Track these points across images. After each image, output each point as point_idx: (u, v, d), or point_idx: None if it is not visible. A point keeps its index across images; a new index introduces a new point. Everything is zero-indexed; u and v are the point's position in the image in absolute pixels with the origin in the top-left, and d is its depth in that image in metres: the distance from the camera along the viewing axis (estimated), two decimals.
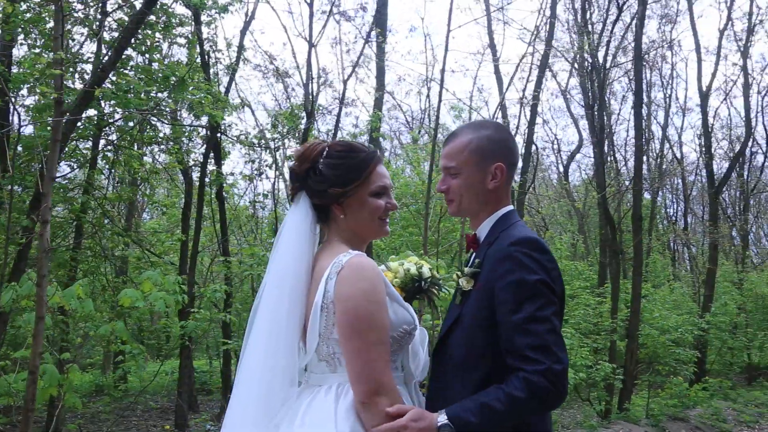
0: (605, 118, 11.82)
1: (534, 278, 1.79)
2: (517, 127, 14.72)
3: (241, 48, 9.36)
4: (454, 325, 1.99)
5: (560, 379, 1.72)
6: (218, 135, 8.92)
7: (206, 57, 8.90)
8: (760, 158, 20.09)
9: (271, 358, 1.90)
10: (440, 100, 7.55)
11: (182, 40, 8.98)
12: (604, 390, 9.44)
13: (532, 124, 11.27)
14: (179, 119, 9.47)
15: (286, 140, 8.73)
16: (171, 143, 8.83)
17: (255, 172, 9.07)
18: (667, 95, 18.35)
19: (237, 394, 1.96)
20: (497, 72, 14.83)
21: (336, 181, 1.97)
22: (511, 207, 2.09)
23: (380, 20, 11.02)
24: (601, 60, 10.59)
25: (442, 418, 1.74)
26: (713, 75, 14.44)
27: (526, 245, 1.85)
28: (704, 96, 14.19)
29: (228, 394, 9.38)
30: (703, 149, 14.94)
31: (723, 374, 13.90)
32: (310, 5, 8.27)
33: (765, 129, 19.63)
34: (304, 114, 8.14)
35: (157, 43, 8.70)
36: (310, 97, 8.25)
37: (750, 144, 17.37)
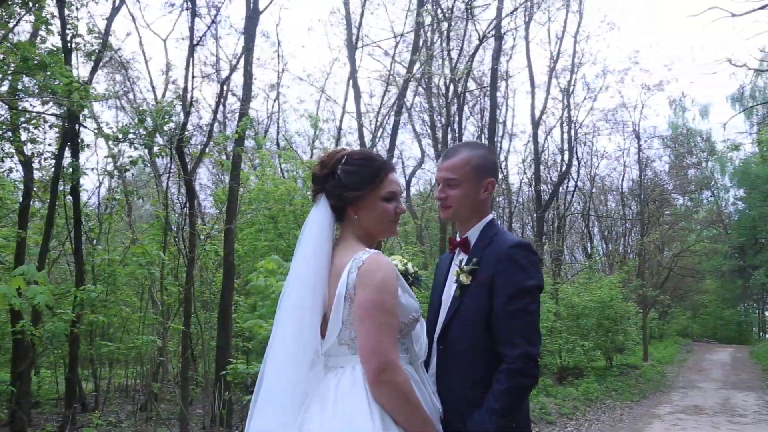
0: (456, 139, 12.83)
1: (530, 283, 2.20)
2: (373, 140, 15.40)
3: (107, 35, 8.81)
4: (454, 316, 2.30)
5: (534, 360, 2.15)
6: (76, 126, 8.32)
7: (68, 42, 8.27)
8: (570, 183, 22.90)
9: (298, 342, 2.09)
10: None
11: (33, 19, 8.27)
12: None
13: (393, 137, 11.90)
14: (26, 105, 8.66)
15: (154, 137, 8.33)
16: (9, 131, 8.05)
17: (121, 167, 8.55)
18: (500, 121, 20.17)
19: (268, 375, 2.12)
20: (356, 85, 15.43)
21: (351, 185, 2.22)
22: (492, 216, 2.47)
23: (251, 25, 10.97)
24: (459, 87, 11.54)
25: None
26: (543, 108, 16.27)
27: (524, 248, 2.26)
28: (536, 125, 15.92)
29: (74, 404, 8.75)
30: (532, 175, 16.69)
31: (542, 374, 15.59)
32: (193, 3, 8.07)
33: (577, 158, 22.42)
34: (179, 112, 7.91)
35: (5, 20, 7.94)
36: (189, 94, 8.03)
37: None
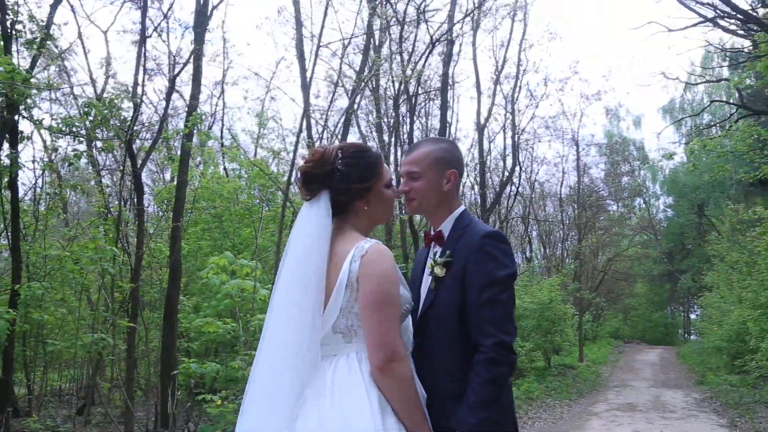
0: (406, 142, 12.97)
1: (501, 273, 2.22)
2: (320, 139, 15.36)
3: (50, 23, 8.46)
4: (429, 308, 2.33)
5: (509, 347, 2.17)
6: (16, 117, 7.95)
7: (8, 29, 7.90)
8: (512, 188, 23.46)
9: (292, 343, 2.07)
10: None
11: None
12: None
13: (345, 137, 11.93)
14: None
15: (99, 131, 8.06)
16: None
17: (66, 159, 8.20)
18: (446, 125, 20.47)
19: (258, 377, 2.11)
20: (304, 83, 15.33)
21: (357, 177, 2.23)
22: (463, 207, 2.52)
23: (202, 21, 10.77)
24: (411, 89, 11.68)
25: None
26: (489, 114, 16.63)
27: (494, 238, 2.29)
28: (481, 130, 16.24)
29: (7, 408, 8.35)
30: (475, 179, 17.02)
31: None
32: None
33: (519, 164, 22.99)
34: (129, 105, 7.67)
35: None
36: (141, 87, 7.82)
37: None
